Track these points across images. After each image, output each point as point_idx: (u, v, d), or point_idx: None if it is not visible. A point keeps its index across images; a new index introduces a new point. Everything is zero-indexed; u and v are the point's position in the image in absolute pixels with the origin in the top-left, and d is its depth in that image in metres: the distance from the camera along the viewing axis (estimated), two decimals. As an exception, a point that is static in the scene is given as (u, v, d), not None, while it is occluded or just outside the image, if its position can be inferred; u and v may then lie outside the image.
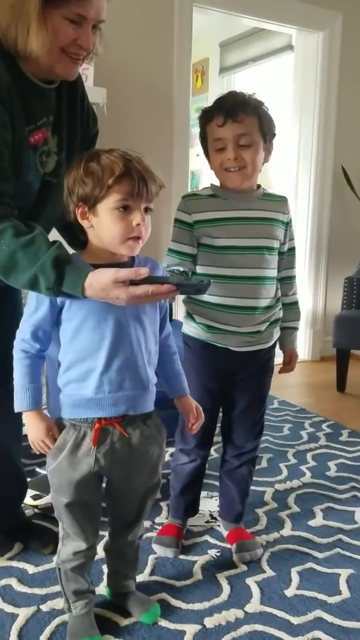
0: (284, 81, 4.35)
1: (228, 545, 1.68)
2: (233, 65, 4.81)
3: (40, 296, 1.16)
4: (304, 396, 3.21)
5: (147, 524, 1.56)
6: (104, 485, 1.31)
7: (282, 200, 1.56)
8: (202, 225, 1.48)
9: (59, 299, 1.15)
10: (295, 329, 1.66)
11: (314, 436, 2.56)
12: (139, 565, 1.45)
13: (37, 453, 1.24)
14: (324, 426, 2.68)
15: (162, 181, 1.16)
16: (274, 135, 1.48)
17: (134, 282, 1.09)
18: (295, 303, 1.65)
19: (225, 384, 1.59)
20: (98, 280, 1.08)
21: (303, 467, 2.23)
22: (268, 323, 1.54)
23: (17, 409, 1.19)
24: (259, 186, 1.54)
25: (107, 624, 1.36)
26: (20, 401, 1.19)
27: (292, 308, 1.64)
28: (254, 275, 1.48)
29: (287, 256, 1.60)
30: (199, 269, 1.51)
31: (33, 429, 1.20)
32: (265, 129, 1.45)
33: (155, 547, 1.65)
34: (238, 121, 1.40)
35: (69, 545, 1.29)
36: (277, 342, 1.64)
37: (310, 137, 3.74)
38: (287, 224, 1.56)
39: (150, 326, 1.24)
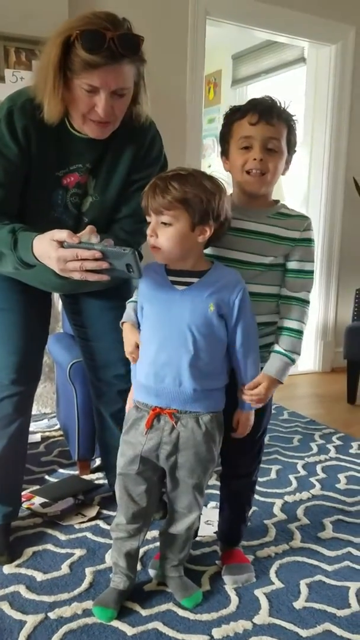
0: (296, 93, 4.38)
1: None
2: (245, 78, 4.84)
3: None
4: (314, 408, 3.20)
5: (150, 534, 1.55)
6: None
7: (298, 219, 1.46)
8: None
9: (138, 300, 1.38)
10: (282, 354, 1.41)
11: (324, 448, 2.54)
12: (187, 553, 1.51)
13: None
14: (334, 438, 2.66)
15: (178, 193, 1.24)
16: (295, 150, 1.46)
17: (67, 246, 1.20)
18: (288, 329, 1.44)
19: None
20: (42, 238, 1.24)
21: (313, 479, 2.22)
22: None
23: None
24: (276, 202, 1.48)
25: (115, 634, 1.36)
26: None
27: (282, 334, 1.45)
28: None
29: (295, 277, 1.45)
30: None
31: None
32: (292, 141, 1.43)
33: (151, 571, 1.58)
34: (271, 124, 1.37)
35: (117, 515, 1.45)
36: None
37: (322, 148, 3.76)
38: (297, 241, 1.44)
39: (213, 336, 1.32)
